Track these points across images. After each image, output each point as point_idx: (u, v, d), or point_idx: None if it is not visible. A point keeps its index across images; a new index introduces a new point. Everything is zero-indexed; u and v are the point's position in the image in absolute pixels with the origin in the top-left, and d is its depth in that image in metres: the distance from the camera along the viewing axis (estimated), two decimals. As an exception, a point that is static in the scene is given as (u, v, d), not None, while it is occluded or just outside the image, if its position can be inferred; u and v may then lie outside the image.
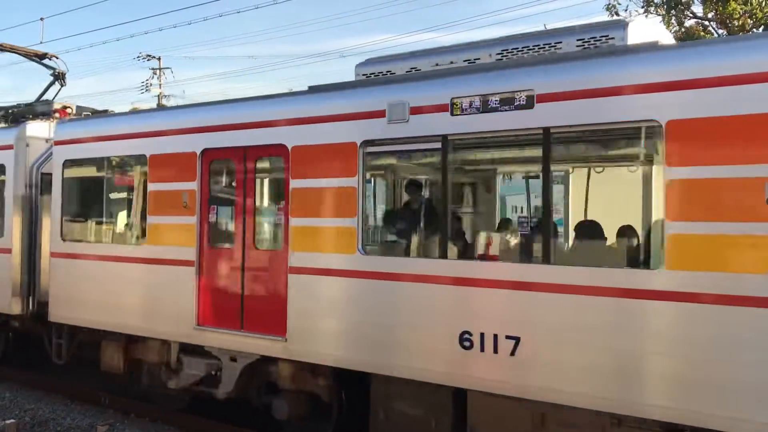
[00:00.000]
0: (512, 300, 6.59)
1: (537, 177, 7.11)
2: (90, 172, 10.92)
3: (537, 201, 7.07)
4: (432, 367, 7.04)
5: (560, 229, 8.33)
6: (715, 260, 5.62)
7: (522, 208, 8.19)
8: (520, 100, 6.63)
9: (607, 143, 7.36)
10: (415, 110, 7.25)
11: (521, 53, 7.24)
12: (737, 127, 5.57)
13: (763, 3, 19.87)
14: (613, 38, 6.78)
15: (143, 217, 9.74)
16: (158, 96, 42.32)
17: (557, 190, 8.13)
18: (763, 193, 5.42)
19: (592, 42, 6.85)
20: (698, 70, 5.82)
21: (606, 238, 7.12)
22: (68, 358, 11.06)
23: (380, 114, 7.51)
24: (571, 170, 8.62)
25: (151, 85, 42.92)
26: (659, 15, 21.00)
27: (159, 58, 43.36)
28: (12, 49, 14.59)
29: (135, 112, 10.30)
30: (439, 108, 7.08)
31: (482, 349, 6.69)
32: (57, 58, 14.39)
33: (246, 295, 8.59)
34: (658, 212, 6.36)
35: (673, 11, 21.07)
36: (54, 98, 13.78)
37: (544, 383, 6.36)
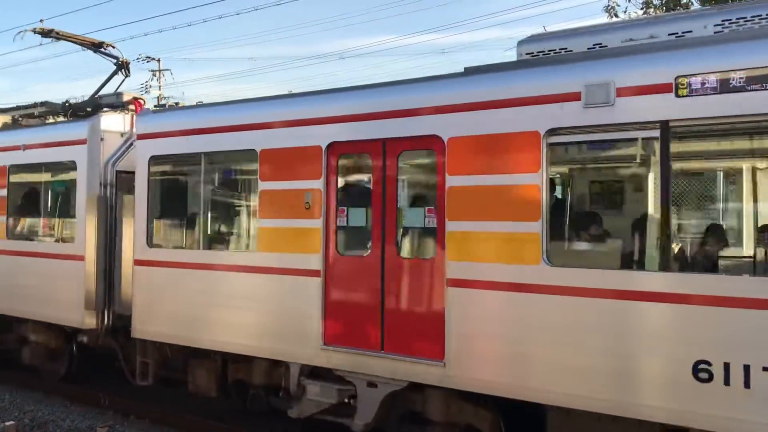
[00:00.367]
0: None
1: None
2: (182, 169, 9.72)
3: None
4: (650, 402, 5.83)
5: None
6: None
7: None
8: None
9: None
10: (624, 91, 6.05)
11: (750, 24, 6.05)
12: None
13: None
14: None
15: (252, 221, 8.53)
16: (158, 98, 41.45)
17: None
18: None
19: None
20: None
21: None
22: (153, 379, 9.81)
23: (572, 97, 6.31)
24: None
25: (150, 86, 42.03)
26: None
27: (158, 60, 42.50)
28: (68, 37, 13.41)
29: (240, 101, 9.04)
30: (659, 89, 5.88)
31: (726, 382, 5.48)
32: (114, 47, 13.22)
33: (387, 310, 7.38)
34: None
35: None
36: (117, 90, 12.61)
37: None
